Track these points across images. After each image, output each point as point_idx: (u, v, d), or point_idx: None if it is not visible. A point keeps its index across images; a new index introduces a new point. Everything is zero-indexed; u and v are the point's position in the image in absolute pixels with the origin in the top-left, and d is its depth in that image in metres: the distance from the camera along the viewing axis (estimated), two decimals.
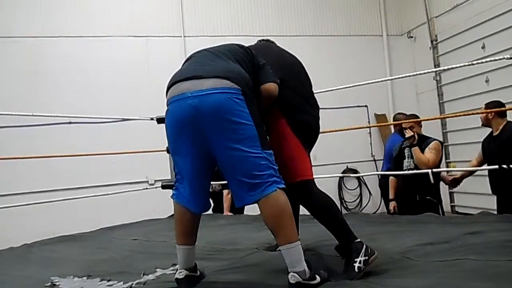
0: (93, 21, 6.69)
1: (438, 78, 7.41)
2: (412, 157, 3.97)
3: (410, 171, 3.89)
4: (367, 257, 1.97)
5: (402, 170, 4.03)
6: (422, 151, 3.93)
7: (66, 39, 6.54)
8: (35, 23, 6.48)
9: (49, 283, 2.24)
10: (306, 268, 1.77)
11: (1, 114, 4.42)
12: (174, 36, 7.02)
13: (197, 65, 1.94)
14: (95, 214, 5.27)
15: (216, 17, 7.17)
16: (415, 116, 4.36)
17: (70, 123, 5.89)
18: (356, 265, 1.95)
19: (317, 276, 1.80)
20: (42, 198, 4.91)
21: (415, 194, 3.96)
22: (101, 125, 6.08)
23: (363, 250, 1.98)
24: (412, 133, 3.92)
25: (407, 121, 4.18)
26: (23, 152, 4.86)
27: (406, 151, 4.04)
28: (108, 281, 2.20)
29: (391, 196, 4.34)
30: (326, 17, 7.87)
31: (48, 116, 4.67)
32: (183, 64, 2.06)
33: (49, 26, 6.51)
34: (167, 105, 1.92)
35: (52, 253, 3.12)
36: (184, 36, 7.02)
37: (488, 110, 3.62)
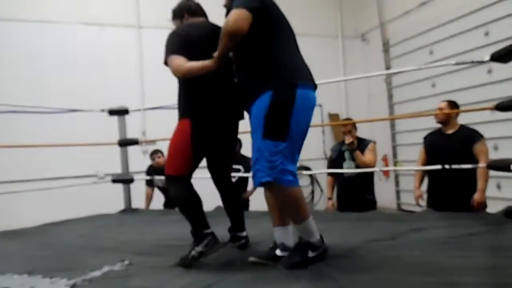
0: (42, 5, 6.33)
1: (389, 81, 7.68)
2: (352, 159, 4.22)
3: (358, 170, 4.11)
4: (204, 249, 2.20)
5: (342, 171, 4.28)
6: (361, 152, 4.20)
7: (11, 23, 6.14)
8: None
9: None
10: None
11: None
12: (128, 26, 6.81)
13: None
14: (40, 209, 5.00)
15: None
16: (350, 120, 4.68)
17: (14, 112, 5.57)
18: (192, 252, 2.19)
19: None
20: None
21: (355, 193, 4.22)
22: (48, 115, 5.80)
23: (205, 242, 2.22)
24: (352, 139, 4.18)
25: (342, 122, 4.39)
26: None
27: (346, 154, 4.29)
28: (51, 278, 2.10)
29: (328, 195, 4.60)
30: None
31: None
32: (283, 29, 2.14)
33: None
34: (309, 89, 2.07)
35: None
36: (140, 27, 6.83)
37: (459, 110, 3.78)
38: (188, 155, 2.32)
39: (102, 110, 4.41)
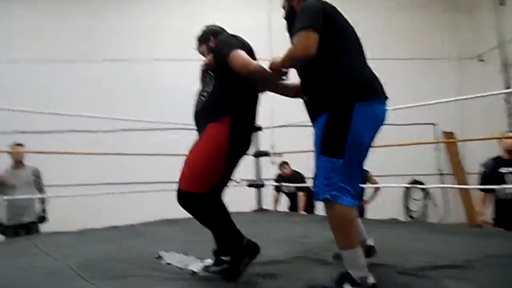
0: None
1: (509, 100, 6.69)
2: None
3: None
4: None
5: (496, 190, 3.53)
6: None
7: (175, 62, 7.00)
8: (153, 49, 7.05)
9: (157, 255, 2.41)
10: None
11: (133, 120, 4.83)
12: (264, 60, 7.14)
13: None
14: None
15: None
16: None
17: (180, 128, 6.24)
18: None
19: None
20: (154, 188, 5.30)
21: None
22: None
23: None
24: None
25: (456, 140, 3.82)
26: (144, 150, 5.29)
27: (509, 176, 3.50)
28: (202, 259, 2.30)
29: (480, 209, 3.81)
30: (397, 40, 7.52)
31: (172, 123, 5.03)
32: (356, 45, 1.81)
33: (163, 51, 7.03)
34: (375, 102, 1.74)
35: (159, 232, 3.34)
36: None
37: None
38: (221, 166, 1.96)
39: None
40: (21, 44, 7.01)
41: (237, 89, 1.95)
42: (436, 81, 7.34)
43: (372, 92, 1.73)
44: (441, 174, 7.34)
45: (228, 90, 1.96)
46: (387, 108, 1.80)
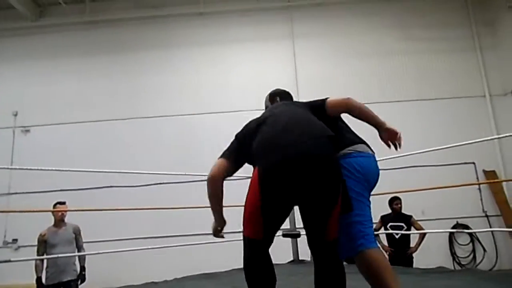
0: (230, 100, 7.40)
1: None
2: None
3: None
4: None
5: None
6: None
7: (210, 115, 7.34)
8: (185, 104, 7.40)
9: None
10: None
11: (164, 174, 4.96)
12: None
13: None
14: (228, 256, 5.43)
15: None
16: None
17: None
18: None
19: None
20: (191, 240, 5.30)
21: None
22: (232, 182, 6.43)
23: None
24: None
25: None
26: (174, 203, 5.36)
27: None
28: None
29: None
30: (428, 81, 7.50)
31: (198, 175, 5.13)
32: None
33: (196, 106, 7.37)
34: (356, 156, 1.93)
35: None
36: None
37: None
38: (257, 214, 1.77)
39: None
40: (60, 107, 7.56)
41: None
42: (469, 119, 7.19)
43: (351, 149, 1.93)
44: (487, 216, 6.91)
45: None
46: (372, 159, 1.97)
